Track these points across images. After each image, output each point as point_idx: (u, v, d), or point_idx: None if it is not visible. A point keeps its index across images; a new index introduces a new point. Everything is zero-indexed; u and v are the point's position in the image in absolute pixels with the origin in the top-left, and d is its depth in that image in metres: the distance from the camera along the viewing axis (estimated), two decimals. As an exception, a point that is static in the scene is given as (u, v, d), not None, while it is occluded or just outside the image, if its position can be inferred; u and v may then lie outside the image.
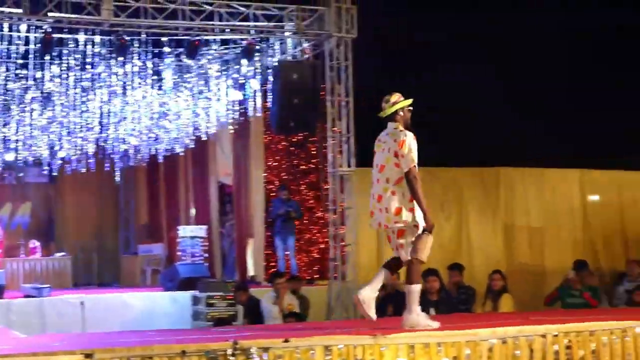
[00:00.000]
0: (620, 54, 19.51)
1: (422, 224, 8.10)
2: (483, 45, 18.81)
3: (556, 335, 7.80)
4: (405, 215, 8.05)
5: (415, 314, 8.15)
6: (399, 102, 8.30)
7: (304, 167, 18.10)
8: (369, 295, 8.14)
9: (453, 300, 12.96)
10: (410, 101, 8.36)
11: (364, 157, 13.03)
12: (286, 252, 16.54)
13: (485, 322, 8.57)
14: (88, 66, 16.30)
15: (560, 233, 16.71)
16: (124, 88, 17.28)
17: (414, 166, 8.06)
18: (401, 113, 8.30)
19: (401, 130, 8.22)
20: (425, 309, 8.73)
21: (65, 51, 15.46)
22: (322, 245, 17.30)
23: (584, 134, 18.76)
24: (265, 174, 17.99)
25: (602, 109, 18.96)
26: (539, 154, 17.57)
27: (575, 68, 19.33)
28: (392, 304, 12.19)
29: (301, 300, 13.93)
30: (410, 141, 8.13)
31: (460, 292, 13.33)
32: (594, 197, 17.34)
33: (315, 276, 17.47)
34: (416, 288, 8.18)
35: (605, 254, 16.94)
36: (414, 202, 8.07)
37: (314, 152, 17.98)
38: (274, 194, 17.56)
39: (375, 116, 8.63)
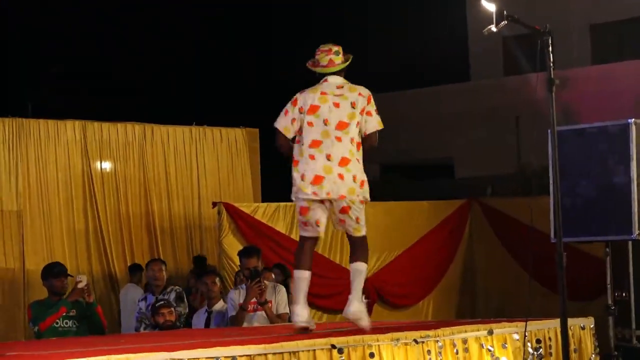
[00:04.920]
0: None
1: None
2: None
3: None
4: (366, 190, 7.42)
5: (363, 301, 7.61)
6: (349, 57, 7.56)
7: None
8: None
9: None
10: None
11: None
12: None
13: None
14: None
15: (52, 220, 11.98)
16: None
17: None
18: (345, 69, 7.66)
19: (359, 85, 7.53)
20: None
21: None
22: None
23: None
24: None
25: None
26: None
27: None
28: None
29: None
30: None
31: None
32: (106, 164, 12.40)
33: None
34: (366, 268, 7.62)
35: (122, 252, 12.18)
36: None
37: None
38: None
39: None
